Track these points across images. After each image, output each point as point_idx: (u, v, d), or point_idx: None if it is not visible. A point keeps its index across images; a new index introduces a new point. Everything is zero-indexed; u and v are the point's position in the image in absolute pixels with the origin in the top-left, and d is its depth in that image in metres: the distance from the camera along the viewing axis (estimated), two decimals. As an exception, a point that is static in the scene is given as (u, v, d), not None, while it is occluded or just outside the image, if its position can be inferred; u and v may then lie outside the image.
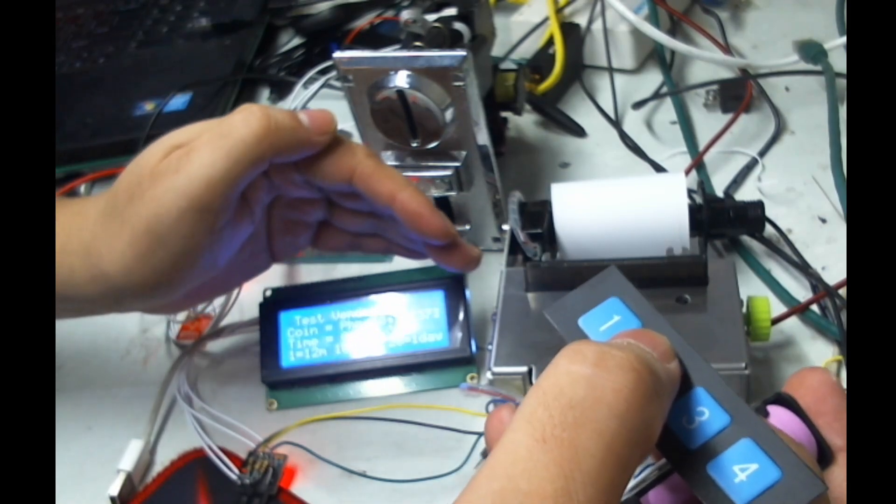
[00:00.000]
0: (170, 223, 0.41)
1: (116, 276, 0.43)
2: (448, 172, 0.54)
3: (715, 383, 0.29)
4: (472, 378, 0.51)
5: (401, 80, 0.52)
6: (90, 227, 0.44)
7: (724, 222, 0.55)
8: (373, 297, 0.54)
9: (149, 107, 0.74)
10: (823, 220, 0.58)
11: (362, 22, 0.83)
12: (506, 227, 0.55)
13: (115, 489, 0.49)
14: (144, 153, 0.43)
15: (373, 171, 0.45)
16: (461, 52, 0.51)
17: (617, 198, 0.52)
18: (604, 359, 0.27)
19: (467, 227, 0.59)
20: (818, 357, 0.50)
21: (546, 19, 0.73)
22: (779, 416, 0.30)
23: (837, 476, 0.29)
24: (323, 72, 0.71)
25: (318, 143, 0.45)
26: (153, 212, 0.41)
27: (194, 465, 0.50)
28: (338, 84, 0.69)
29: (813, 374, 0.31)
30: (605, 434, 0.26)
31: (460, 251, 0.48)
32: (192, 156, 0.42)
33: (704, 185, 0.58)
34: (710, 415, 0.29)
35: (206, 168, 0.41)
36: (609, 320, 0.31)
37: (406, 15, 0.57)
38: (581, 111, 0.70)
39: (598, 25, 0.72)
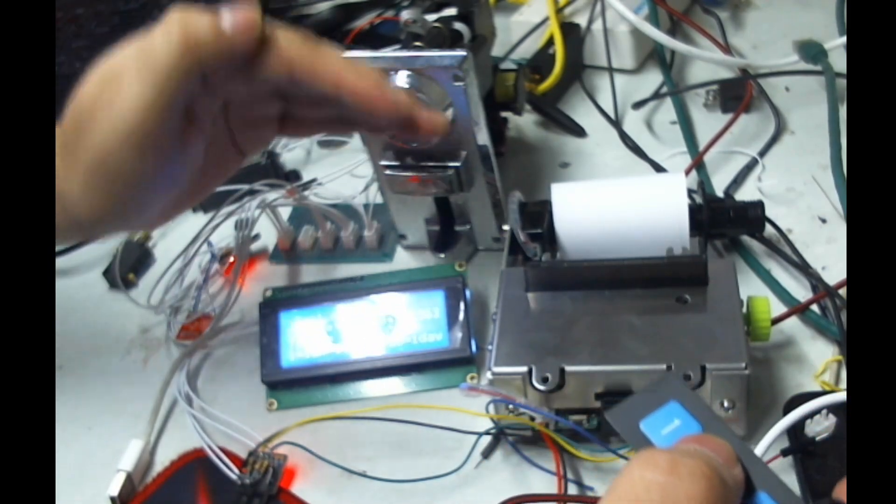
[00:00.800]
0: (116, 155, 0.41)
1: (79, 210, 0.43)
2: (448, 172, 0.54)
3: (776, 486, 0.30)
4: (472, 378, 0.51)
5: (401, 80, 0.52)
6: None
7: (724, 222, 0.55)
8: (373, 297, 0.54)
9: (149, 107, 0.74)
10: (823, 220, 0.58)
11: (362, 22, 0.83)
12: (506, 227, 0.55)
13: (115, 489, 0.49)
14: (82, 85, 0.42)
15: (311, 60, 0.43)
16: (461, 52, 0.51)
17: (617, 198, 0.52)
18: (676, 466, 0.28)
19: (467, 227, 0.59)
20: (818, 357, 0.50)
21: (546, 19, 0.73)
22: None
23: None
24: (323, 72, 0.71)
25: (245, 48, 0.42)
26: (98, 147, 0.41)
27: (194, 465, 0.50)
28: (338, 84, 0.69)
29: None
30: None
31: (422, 123, 0.45)
32: (122, 87, 0.41)
33: (704, 185, 0.58)
34: None
35: (135, 99, 0.40)
36: (670, 424, 0.32)
37: (406, 15, 0.57)
38: (581, 111, 0.70)
39: (598, 25, 0.72)
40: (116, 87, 0.41)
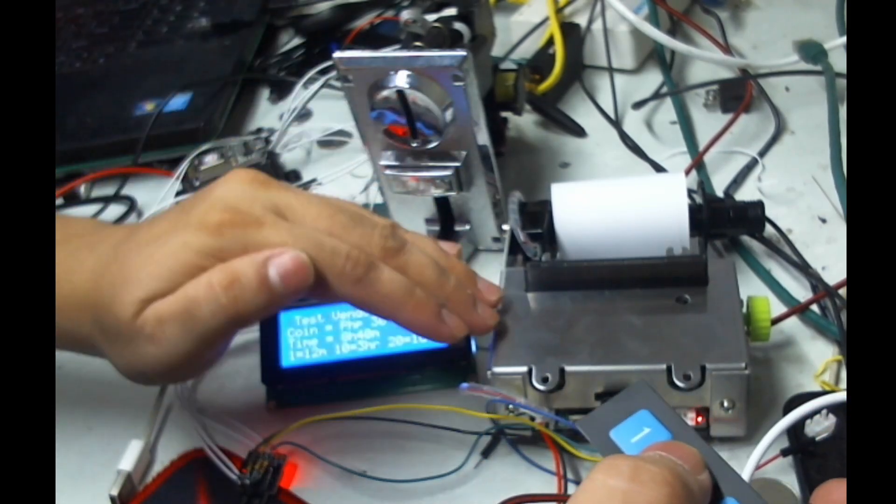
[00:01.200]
0: (159, 374, 0.43)
1: (122, 374, 0.45)
2: (448, 172, 0.54)
3: (745, 493, 0.30)
4: (472, 378, 0.51)
5: (401, 80, 0.52)
6: (88, 329, 0.45)
7: (724, 222, 0.55)
8: (373, 297, 0.54)
9: (149, 107, 0.74)
10: (823, 220, 0.58)
11: (362, 22, 0.83)
12: (506, 227, 0.55)
13: (115, 489, 0.49)
14: (118, 295, 0.42)
15: (363, 301, 0.43)
16: (461, 52, 0.51)
17: (617, 198, 0.52)
18: (638, 473, 0.28)
19: (467, 227, 0.59)
20: (818, 357, 0.50)
21: (546, 19, 0.73)
22: None
23: None
24: (323, 72, 0.71)
25: (294, 297, 0.42)
26: (141, 364, 0.43)
27: (194, 465, 0.50)
28: (338, 84, 0.69)
29: (839, 486, 0.31)
30: None
31: (475, 330, 0.47)
32: (164, 330, 0.41)
33: (704, 185, 0.58)
34: None
35: (178, 346, 0.41)
36: (640, 432, 0.32)
37: (406, 15, 0.57)
38: (581, 111, 0.70)
39: (598, 25, 0.72)
40: (161, 332, 0.41)
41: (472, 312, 0.46)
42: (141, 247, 0.43)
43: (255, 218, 0.42)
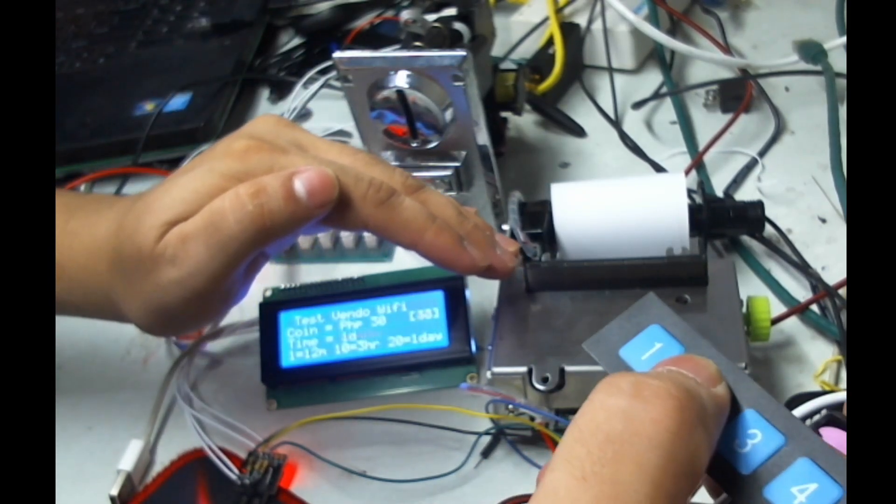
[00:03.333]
0: (178, 307, 0.42)
1: (137, 322, 0.44)
2: (448, 172, 0.54)
3: (767, 404, 0.28)
4: (472, 378, 0.51)
5: (401, 80, 0.52)
6: (106, 277, 0.44)
7: (724, 222, 0.55)
8: (373, 297, 0.54)
9: (149, 107, 0.74)
10: (823, 220, 0.58)
11: (362, 22, 0.83)
12: (506, 227, 0.55)
13: (115, 489, 0.49)
14: (141, 223, 0.41)
15: (386, 224, 0.42)
16: (461, 52, 0.51)
17: (617, 198, 0.52)
18: (640, 389, 0.26)
19: (467, 227, 0.59)
20: (818, 357, 0.50)
21: (546, 19, 0.73)
22: (831, 438, 0.30)
23: None
24: (323, 72, 0.72)
25: (319, 214, 0.41)
26: (160, 297, 0.42)
27: (194, 465, 0.50)
28: (338, 84, 0.69)
29: None
30: (647, 467, 0.25)
31: (497, 268, 0.45)
32: (188, 249, 0.40)
33: (704, 185, 0.58)
34: (763, 437, 0.28)
35: (202, 263, 0.40)
36: (651, 348, 0.30)
37: (406, 15, 0.57)
38: (581, 111, 0.70)
39: (598, 25, 0.72)
40: (184, 251, 0.40)
41: (492, 250, 0.45)
42: (164, 183, 0.43)
43: (280, 147, 0.43)
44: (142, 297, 0.42)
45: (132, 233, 0.41)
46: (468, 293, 0.53)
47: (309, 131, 0.46)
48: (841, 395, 0.43)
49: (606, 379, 0.27)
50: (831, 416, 0.30)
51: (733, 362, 0.29)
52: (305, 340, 0.53)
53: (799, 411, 0.42)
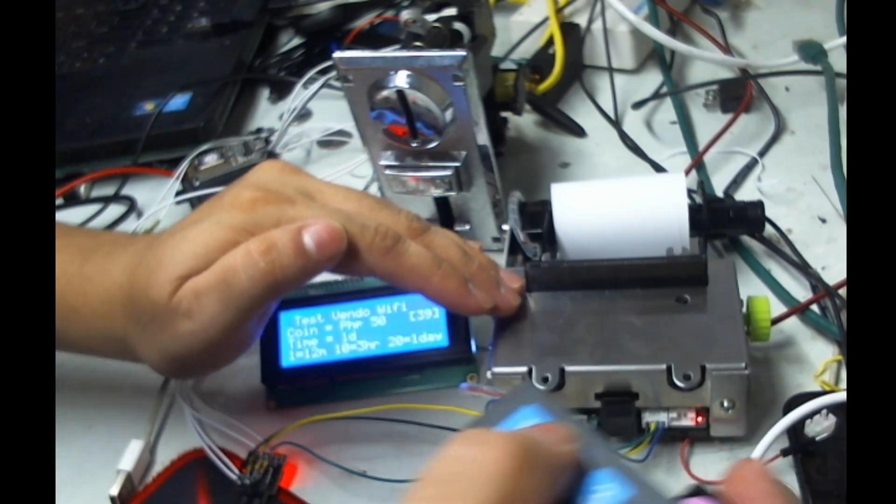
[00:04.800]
0: (194, 355, 0.43)
1: (153, 367, 0.46)
2: (448, 172, 0.54)
3: (623, 464, 0.30)
4: (472, 378, 0.51)
5: (401, 80, 0.52)
6: (121, 323, 0.45)
7: (724, 222, 0.55)
8: (373, 296, 0.54)
9: (149, 107, 0.74)
10: (823, 220, 0.58)
11: (362, 22, 0.83)
12: (506, 227, 0.55)
13: (115, 489, 0.49)
14: (154, 277, 0.42)
15: (393, 271, 0.44)
16: (461, 52, 0.51)
17: (617, 198, 0.52)
18: (482, 438, 0.29)
19: (467, 227, 0.59)
20: (818, 357, 0.50)
21: (546, 19, 0.73)
22: None
23: None
24: (323, 72, 0.72)
25: (328, 265, 0.43)
26: (176, 347, 0.43)
27: (194, 465, 0.50)
28: (338, 84, 0.69)
29: (744, 464, 0.31)
30: (476, 503, 0.27)
31: (502, 307, 0.47)
32: (202, 303, 0.41)
33: (704, 185, 0.58)
34: (615, 491, 0.30)
35: (216, 317, 0.42)
36: (526, 423, 0.32)
37: (406, 15, 0.57)
38: (581, 111, 0.70)
39: (598, 25, 0.72)
40: (198, 306, 0.41)
41: (496, 291, 0.46)
42: (174, 234, 0.43)
43: (287, 196, 0.43)
44: (158, 346, 0.44)
45: (146, 286, 0.42)
46: (468, 293, 0.53)
47: (313, 176, 0.46)
48: (841, 395, 0.43)
49: (459, 432, 0.30)
50: (698, 487, 0.31)
51: (596, 432, 0.33)
52: (305, 340, 0.53)
53: (799, 411, 0.42)
